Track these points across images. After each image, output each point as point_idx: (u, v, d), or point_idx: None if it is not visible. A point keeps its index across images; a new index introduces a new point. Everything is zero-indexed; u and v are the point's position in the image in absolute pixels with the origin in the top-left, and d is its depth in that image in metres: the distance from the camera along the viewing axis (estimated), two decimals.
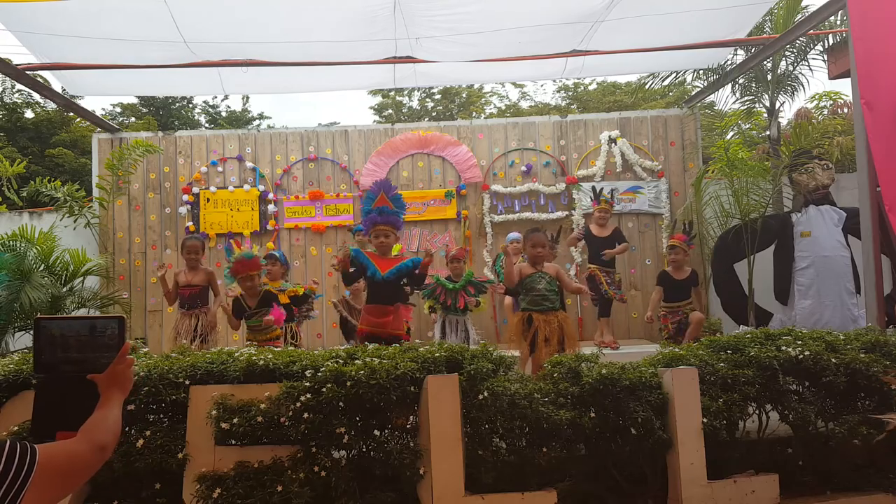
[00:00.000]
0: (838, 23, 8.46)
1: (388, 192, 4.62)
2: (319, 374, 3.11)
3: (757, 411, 3.61)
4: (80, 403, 1.50)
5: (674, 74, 9.56)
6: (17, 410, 3.09)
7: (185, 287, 6.06)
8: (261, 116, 22.41)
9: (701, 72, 9.24)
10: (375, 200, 4.60)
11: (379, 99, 21.37)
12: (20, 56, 7.04)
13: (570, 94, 20.30)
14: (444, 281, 6.09)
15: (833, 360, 3.55)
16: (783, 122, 10.39)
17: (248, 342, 5.08)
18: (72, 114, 14.97)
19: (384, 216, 4.57)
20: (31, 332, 6.21)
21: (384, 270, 4.55)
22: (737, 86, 9.22)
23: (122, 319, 1.61)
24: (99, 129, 9.17)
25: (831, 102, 10.91)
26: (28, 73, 7.11)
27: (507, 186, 8.64)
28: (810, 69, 8.80)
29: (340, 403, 3.02)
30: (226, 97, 21.20)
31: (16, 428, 2.97)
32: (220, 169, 8.71)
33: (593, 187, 7.77)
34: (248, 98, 21.24)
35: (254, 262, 5.06)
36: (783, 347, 3.63)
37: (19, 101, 16.88)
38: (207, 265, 6.67)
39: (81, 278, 7.27)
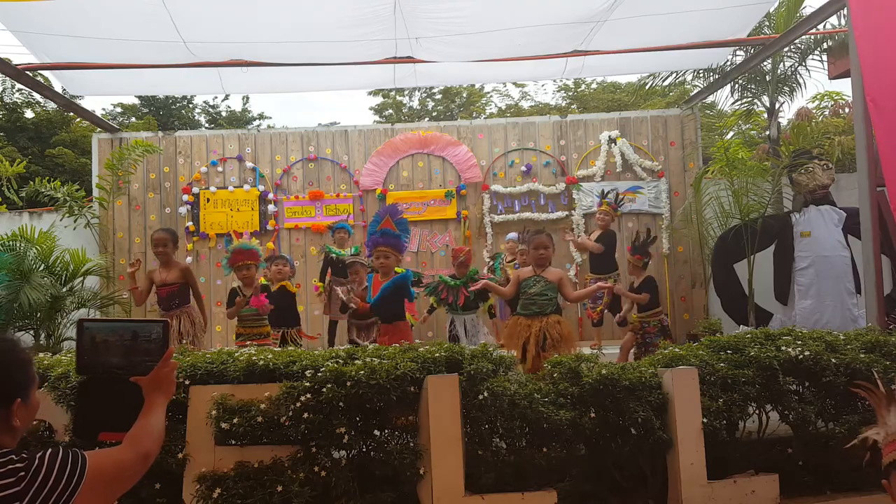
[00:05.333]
0: (838, 23, 8.45)
1: (394, 216, 4.80)
2: (319, 374, 3.11)
3: (757, 411, 3.62)
4: (122, 404, 1.53)
5: (674, 74, 9.55)
6: None
7: (161, 286, 5.41)
8: (261, 116, 22.40)
9: (701, 72, 9.24)
10: (381, 223, 4.77)
11: (379, 99, 21.36)
12: (20, 56, 7.07)
13: (571, 94, 20.29)
14: (446, 278, 6.28)
15: (833, 360, 3.56)
16: (783, 122, 10.38)
17: (238, 335, 5.17)
18: (72, 114, 14.96)
19: (386, 238, 4.73)
20: (30, 332, 6.14)
21: (375, 293, 4.74)
22: (736, 86, 9.22)
23: (165, 324, 1.62)
24: (99, 129, 9.17)
25: (832, 103, 10.89)
26: (28, 73, 7.11)
27: (507, 186, 8.64)
28: (807, 70, 8.80)
29: (340, 403, 3.02)
30: (226, 97, 21.19)
31: None
32: (220, 169, 8.71)
33: (602, 190, 7.81)
34: (248, 98, 21.23)
35: (251, 253, 5.17)
36: (783, 347, 3.63)
37: (19, 101, 16.84)
38: (181, 262, 6.13)
39: (81, 278, 7.26)
